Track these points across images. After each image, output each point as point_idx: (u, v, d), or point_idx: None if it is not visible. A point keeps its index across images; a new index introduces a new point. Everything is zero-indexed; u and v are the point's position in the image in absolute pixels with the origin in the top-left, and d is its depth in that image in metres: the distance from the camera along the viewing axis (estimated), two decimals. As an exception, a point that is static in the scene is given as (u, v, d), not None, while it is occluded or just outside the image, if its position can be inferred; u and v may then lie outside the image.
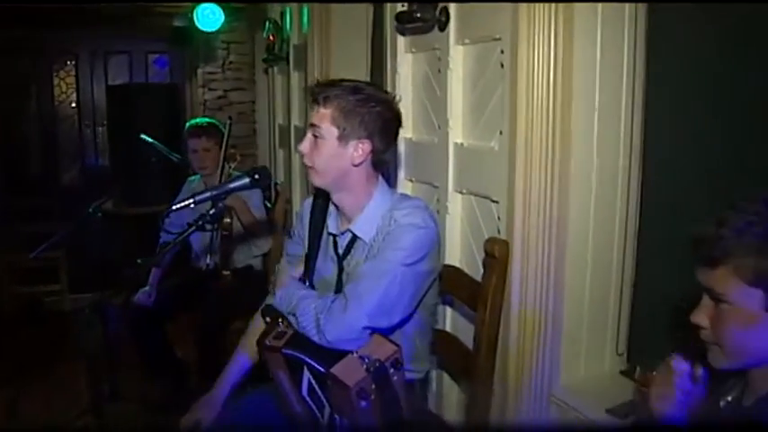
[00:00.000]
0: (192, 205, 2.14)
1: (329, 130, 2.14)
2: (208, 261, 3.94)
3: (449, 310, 2.79)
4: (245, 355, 2.48)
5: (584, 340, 2.45)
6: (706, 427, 1.40)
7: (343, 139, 2.14)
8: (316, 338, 2.07)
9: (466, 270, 2.68)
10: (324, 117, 2.14)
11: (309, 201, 2.45)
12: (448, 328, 2.77)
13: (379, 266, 2.11)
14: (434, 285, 2.31)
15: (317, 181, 2.23)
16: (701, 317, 1.41)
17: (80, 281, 5.49)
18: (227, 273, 3.78)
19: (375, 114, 2.15)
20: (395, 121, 2.23)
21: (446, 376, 2.85)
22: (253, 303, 2.57)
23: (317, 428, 2.17)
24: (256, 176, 2.23)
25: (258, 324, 2.41)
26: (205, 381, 2.64)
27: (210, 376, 2.58)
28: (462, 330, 2.67)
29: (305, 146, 2.20)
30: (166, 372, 4.05)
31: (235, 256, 3.94)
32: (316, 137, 2.17)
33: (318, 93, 2.16)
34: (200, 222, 2.20)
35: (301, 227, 2.48)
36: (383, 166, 2.28)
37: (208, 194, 2.18)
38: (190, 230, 2.23)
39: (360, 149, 2.16)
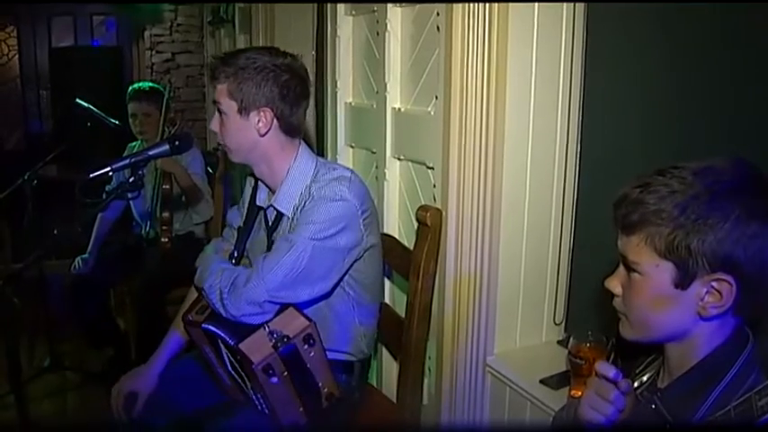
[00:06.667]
0: (111, 173, 2.07)
1: (229, 105, 2.11)
2: (147, 228, 3.88)
3: (386, 281, 2.74)
4: (177, 332, 2.44)
5: (520, 310, 2.42)
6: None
7: (243, 111, 2.10)
8: (222, 312, 2.04)
9: (404, 238, 2.64)
10: (222, 92, 2.10)
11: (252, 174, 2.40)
12: (386, 299, 2.73)
13: (289, 240, 2.06)
14: (367, 260, 2.24)
15: (234, 157, 2.21)
16: (613, 283, 1.37)
17: (23, 249, 5.37)
18: (166, 240, 3.70)
19: (270, 80, 2.09)
20: (295, 81, 2.14)
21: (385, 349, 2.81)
22: (193, 271, 2.51)
23: (247, 401, 2.15)
24: (176, 143, 2.15)
25: (193, 297, 2.37)
26: (144, 348, 2.59)
27: (149, 344, 2.54)
28: (400, 301, 2.63)
29: (214, 124, 2.18)
30: (107, 340, 4.00)
31: (175, 223, 3.86)
32: (221, 113, 2.14)
33: (214, 68, 2.12)
34: (119, 191, 2.13)
35: (243, 198, 2.45)
36: (296, 130, 2.21)
37: (126, 161, 2.10)
38: (108, 199, 2.17)
39: (263, 118, 2.11)
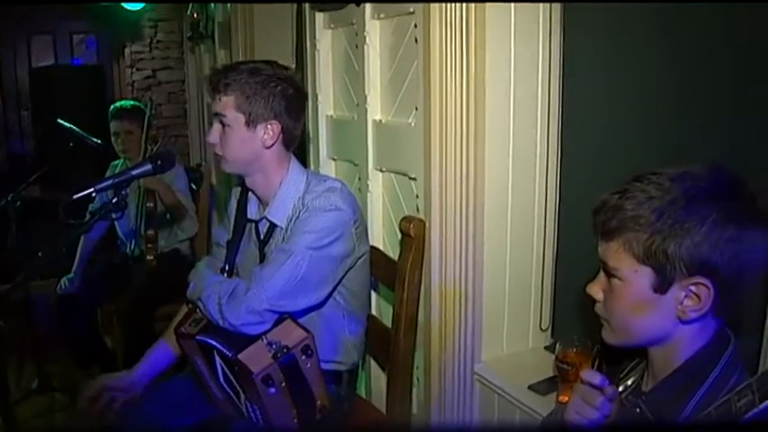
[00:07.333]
0: (94, 194, 2.06)
1: (235, 117, 2.11)
2: (132, 246, 3.87)
3: (373, 293, 2.75)
4: (165, 344, 2.42)
5: (506, 317, 2.42)
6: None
7: (250, 123, 2.12)
8: (220, 322, 2.04)
9: (389, 249, 2.65)
10: (227, 105, 2.11)
11: (239, 187, 2.41)
12: (373, 311, 2.73)
13: (286, 250, 2.08)
14: (358, 269, 2.27)
15: (229, 168, 2.22)
16: (595, 289, 1.38)
17: (6, 270, 5.32)
18: (152, 258, 3.69)
19: (278, 93, 2.12)
20: (299, 95, 2.20)
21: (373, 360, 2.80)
22: (179, 288, 2.50)
23: (238, 415, 2.14)
24: (159, 162, 2.15)
25: (184, 312, 2.35)
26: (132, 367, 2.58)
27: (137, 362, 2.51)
28: (387, 312, 2.63)
29: (214, 136, 2.17)
30: (94, 359, 3.96)
31: (160, 240, 3.85)
32: (223, 125, 2.14)
33: (217, 81, 2.12)
34: (103, 211, 2.13)
35: (229, 213, 2.45)
36: (294, 143, 2.24)
37: (109, 182, 2.10)
38: (92, 220, 2.17)
39: (270, 131, 2.14)
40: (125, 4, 5.43)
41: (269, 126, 2.13)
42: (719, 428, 1.05)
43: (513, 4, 2.24)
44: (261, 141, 2.14)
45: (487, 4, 2.18)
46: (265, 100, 2.10)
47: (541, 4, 2.28)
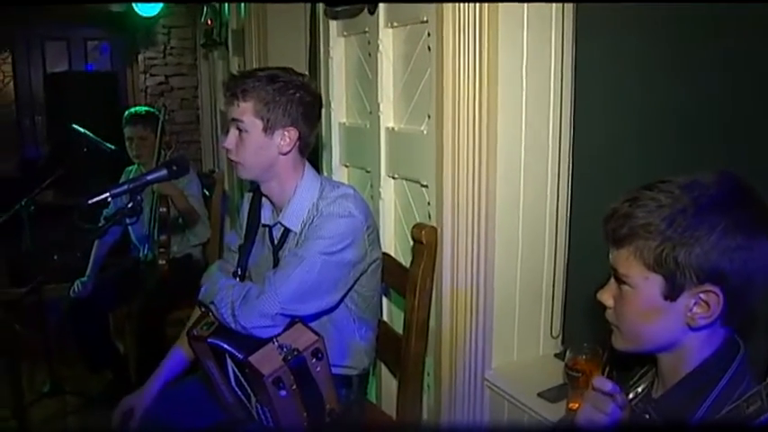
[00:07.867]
0: (109, 199, 2.08)
1: (253, 123, 2.12)
2: (145, 251, 3.89)
3: (384, 299, 2.76)
4: (180, 350, 2.44)
5: (516, 324, 2.43)
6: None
7: (268, 129, 2.13)
8: (232, 325, 2.06)
9: (401, 255, 2.66)
10: (245, 110, 2.12)
11: (251, 192, 2.43)
12: (384, 317, 2.75)
13: (299, 255, 2.10)
14: (369, 275, 2.28)
15: (244, 174, 2.23)
16: (605, 296, 1.39)
17: (19, 275, 5.34)
18: (164, 263, 3.71)
19: (296, 100, 2.13)
20: (315, 103, 2.22)
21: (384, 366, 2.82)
22: (191, 293, 2.53)
23: (248, 418, 2.16)
24: (174, 167, 2.17)
25: (197, 316, 2.37)
26: (143, 371, 2.59)
27: (149, 367, 2.53)
28: (398, 318, 2.64)
29: (230, 141, 2.18)
30: (106, 363, 3.99)
31: (173, 245, 3.87)
32: (240, 131, 2.15)
33: (236, 86, 2.13)
34: (118, 216, 2.15)
35: (241, 218, 2.46)
36: (308, 150, 2.26)
37: (125, 187, 2.12)
38: (108, 224, 2.19)
39: (287, 138, 2.15)
40: (138, 9, 5.46)
41: (286, 132, 2.14)
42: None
43: (525, 13, 2.25)
44: (277, 148, 2.15)
45: (501, 12, 2.19)
46: (283, 107, 2.12)
47: (554, 14, 2.29)
